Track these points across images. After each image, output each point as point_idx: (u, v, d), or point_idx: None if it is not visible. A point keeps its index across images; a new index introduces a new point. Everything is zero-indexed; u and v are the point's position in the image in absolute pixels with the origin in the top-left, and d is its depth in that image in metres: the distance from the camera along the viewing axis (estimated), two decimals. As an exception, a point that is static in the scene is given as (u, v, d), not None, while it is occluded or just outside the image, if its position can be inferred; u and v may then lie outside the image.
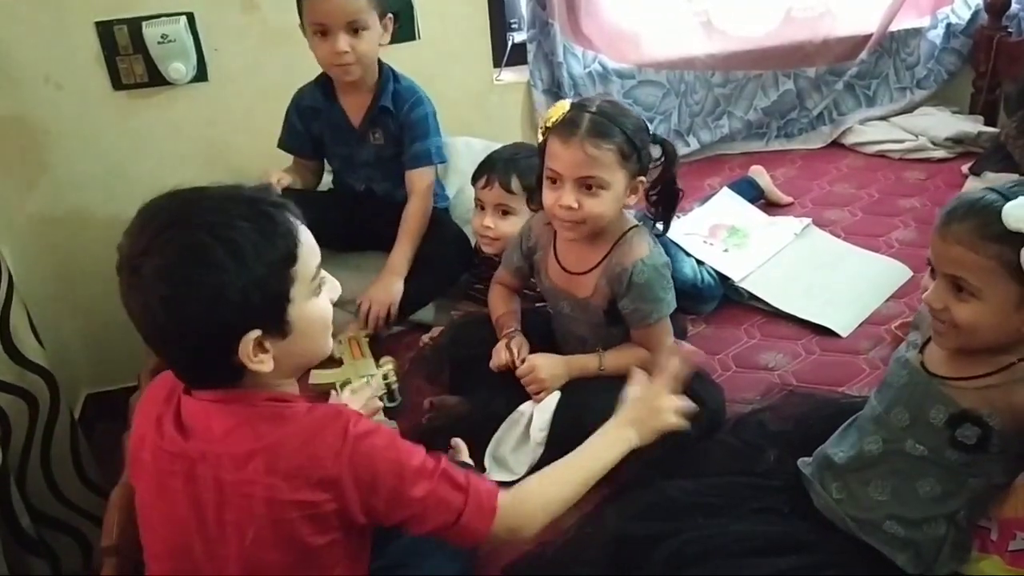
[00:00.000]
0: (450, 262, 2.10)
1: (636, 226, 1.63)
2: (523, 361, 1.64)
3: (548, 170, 1.56)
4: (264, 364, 1.03)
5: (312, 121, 2.12)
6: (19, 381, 1.76)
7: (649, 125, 1.59)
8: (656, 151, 1.60)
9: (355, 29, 1.92)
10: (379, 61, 2.05)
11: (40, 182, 2.36)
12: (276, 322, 1.04)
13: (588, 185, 1.52)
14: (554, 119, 1.55)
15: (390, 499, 1.07)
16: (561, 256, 1.68)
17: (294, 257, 1.04)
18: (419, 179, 2.07)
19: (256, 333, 1.01)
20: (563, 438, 1.51)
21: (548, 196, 1.57)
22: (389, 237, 2.06)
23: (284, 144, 2.16)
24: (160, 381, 1.16)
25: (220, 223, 0.99)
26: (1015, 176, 2.40)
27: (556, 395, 1.63)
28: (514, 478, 1.57)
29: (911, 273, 2.13)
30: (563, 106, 1.56)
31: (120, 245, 1.03)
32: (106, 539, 1.38)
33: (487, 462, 1.62)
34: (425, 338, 1.98)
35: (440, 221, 2.14)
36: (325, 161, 2.23)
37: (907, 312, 2.00)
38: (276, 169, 2.06)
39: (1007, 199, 1.14)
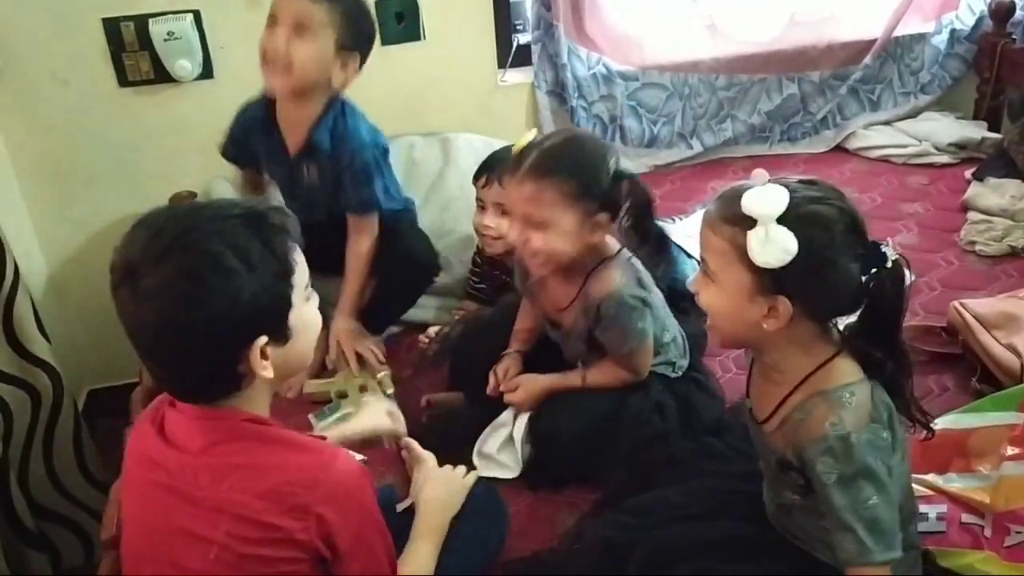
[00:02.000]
0: (409, 276, 2.00)
1: (609, 257, 1.59)
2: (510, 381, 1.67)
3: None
4: (268, 371, 1.05)
5: (252, 135, 1.97)
6: (22, 373, 1.76)
7: (613, 161, 1.53)
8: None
9: (298, 30, 1.75)
10: (335, 97, 1.87)
11: (45, 177, 2.36)
12: (280, 327, 1.06)
13: (531, 223, 1.51)
14: (513, 151, 1.55)
15: (353, 543, 1.08)
16: (547, 289, 1.67)
17: (293, 262, 1.07)
18: (363, 224, 1.91)
19: (264, 339, 1.03)
20: (544, 452, 1.62)
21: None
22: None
23: (226, 153, 2.03)
24: (143, 417, 1.17)
25: (227, 231, 1.01)
26: (1018, 183, 2.41)
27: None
28: (512, 475, 1.63)
29: (913, 277, 2.12)
30: (523, 139, 1.54)
31: (118, 259, 1.02)
32: (105, 533, 1.39)
33: (475, 460, 1.65)
34: (423, 337, 1.98)
35: (395, 229, 1.97)
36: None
37: (908, 316, 1.99)
38: None
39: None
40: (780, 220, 1.10)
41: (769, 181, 1.15)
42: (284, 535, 1.03)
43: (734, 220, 1.14)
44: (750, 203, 1.12)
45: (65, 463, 1.94)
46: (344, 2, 1.80)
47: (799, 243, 1.10)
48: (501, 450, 1.65)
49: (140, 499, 1.12)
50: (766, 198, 1.11)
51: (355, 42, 1.82)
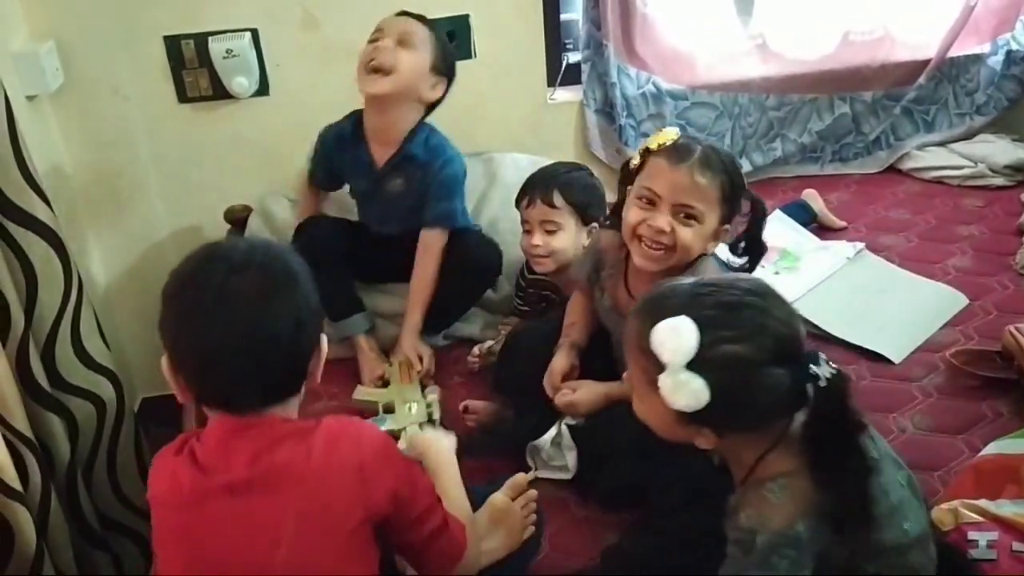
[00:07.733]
0: (475, 273, 2.10)
1: (705, 255, 1.59)
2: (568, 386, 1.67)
3: (644, 189, 1.53)
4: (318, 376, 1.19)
5: (338, 152, 2.14)
6: (87, 384, 1.80)
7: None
8: (745, 205, 1.59)
9: (403, 43, 1.96)
10: (422, 120, 2.05)
11: (105, 190, 2.43)
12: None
13: (686, 214, 1.50)
14: (661, 142, 1.54)
15: (410, 493, 1.17)
16: (632, 285, 1.64)
17: None
18: (434, 240, 2.04)
19: (325, 341, 1.18)
20: (591, 462, 1.62)
21: (635, 214, 1.54)
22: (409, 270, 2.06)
23: (313, 178, 2.22)
24: (163, 454, 1.18)
25: (280, 249, 1.17)
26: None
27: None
28: (568, 476, 1.65)
29: (967, 301, 2.11)
30: (672, 133, 1.56)
31: (197, 279, 1.10)
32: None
33: (528, 462, 1.67)
34: (476, 350, 2.00)
35: (459, 238, 2.08)
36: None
37: (962, 340, 1.97)
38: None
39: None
40: (690, 364, 1.04)
41: (682, 322, 1.07)
42: (346, 506, 1.10)
43: (648, 353, 1.09)
44: (658, 344, 1.06)
45: (127, 471, 1.96)
46: (439, 32, 2.04)
47: (711, 389, 1.04)
48: (553, 456, 1.66)
49: (186, 539, 1.12)
50: (675, 341, 1.05)
51: (444, 68, 2.02)
